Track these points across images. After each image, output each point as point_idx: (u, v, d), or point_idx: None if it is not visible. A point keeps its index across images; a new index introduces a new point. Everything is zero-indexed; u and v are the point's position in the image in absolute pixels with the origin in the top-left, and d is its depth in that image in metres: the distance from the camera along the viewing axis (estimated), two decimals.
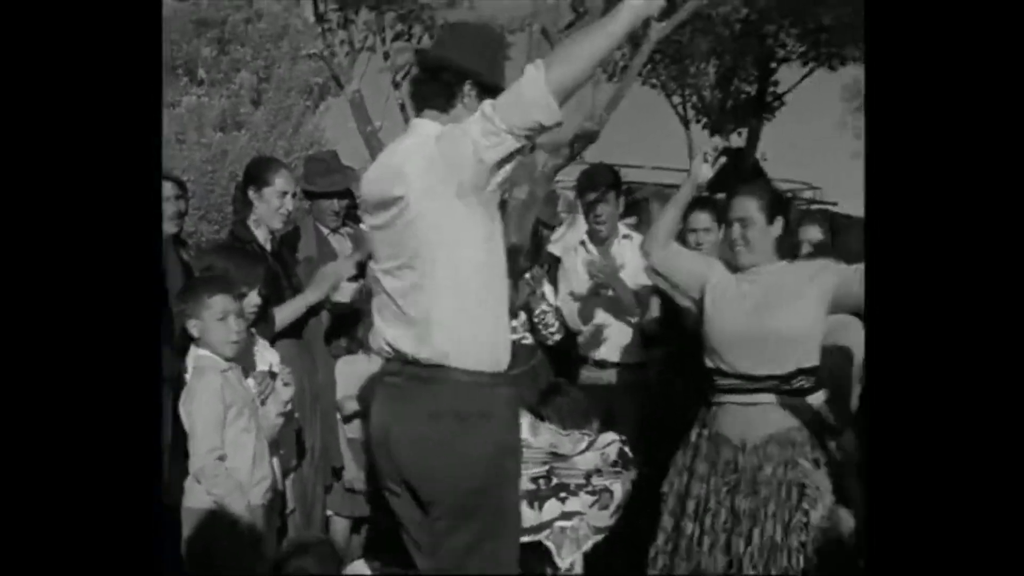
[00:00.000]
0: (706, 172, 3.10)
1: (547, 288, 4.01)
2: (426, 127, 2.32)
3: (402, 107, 6.64)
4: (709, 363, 3.03)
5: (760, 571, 2.76)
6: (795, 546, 2.75)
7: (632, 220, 4.29)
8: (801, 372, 2.89)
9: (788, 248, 3.06)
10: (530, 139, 2.15)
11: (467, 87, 2.32)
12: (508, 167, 2.17)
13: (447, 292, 2.23)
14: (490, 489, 2.26)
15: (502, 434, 2.30)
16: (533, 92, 2.08)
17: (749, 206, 2.97)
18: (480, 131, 2.11)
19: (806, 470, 2.82)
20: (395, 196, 2.23)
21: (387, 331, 2.35)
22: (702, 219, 3.80)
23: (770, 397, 2.90)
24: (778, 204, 3.01)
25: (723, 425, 2.97)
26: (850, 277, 2.82)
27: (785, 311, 2.89)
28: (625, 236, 4.07)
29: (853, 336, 3.30)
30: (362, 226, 2.43)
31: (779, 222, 2.99)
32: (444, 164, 2.17)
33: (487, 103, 2.14)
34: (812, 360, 2.91)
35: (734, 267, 3.07)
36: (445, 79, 2.31)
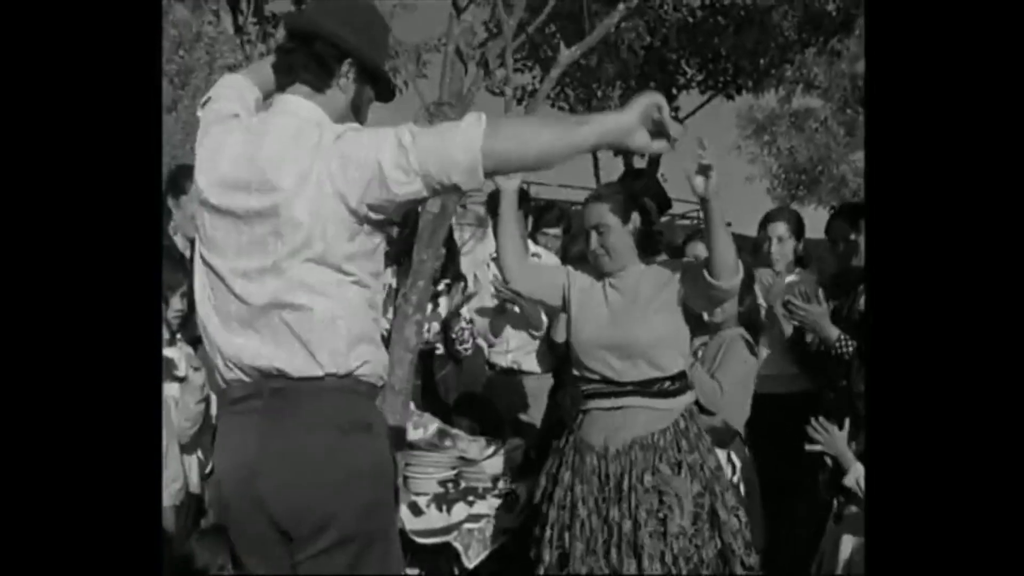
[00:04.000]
0: (511, 184, 3.01)
1: (464, 309, 4.13)
2: (299, 107, 1.98)
3: None
4: (575, 371, 3.00)
5: None
6: (654, 554, 2.71)
7: (557, 231, 4.43)
8: (664, 379, 2.86)
9: (650, 244, 3.01)
10: (437, 194, 1.91)
11: (346, 66, 1.99)
12: (399, 209, 1.92)
13: (322, 306, 1.90)
14: (379, 508, 2.00)
15: (384, 450, 2.03)
16: (463, 152, 1.79)
17: (602, 211, 2.92)
18: (391, 161, 1.81)
19: (666, 476, 2.77)
20: (268, 186, 1.89)
21: (234, 344, 1.94)
22: (697, 247, 3.93)
23: (635, 401, 2.86)
24: (631, 202, 2.95)
25: (587, 431, 2.92)
26: (693, 272, 2.79)
27: (643, 318, 2.85)
28: (534, 254, 4.23)
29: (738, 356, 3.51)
30: (200, 204, 1.98)
31: (635, 218, 2.94)
32: (341, 174, 1.85)
33: (406, 130, 1.84)
34: (676, 366, 2.89)
35: (598, 273, 3.00)
36: (319, 50, 1.97)
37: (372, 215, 1.88)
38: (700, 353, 3.43)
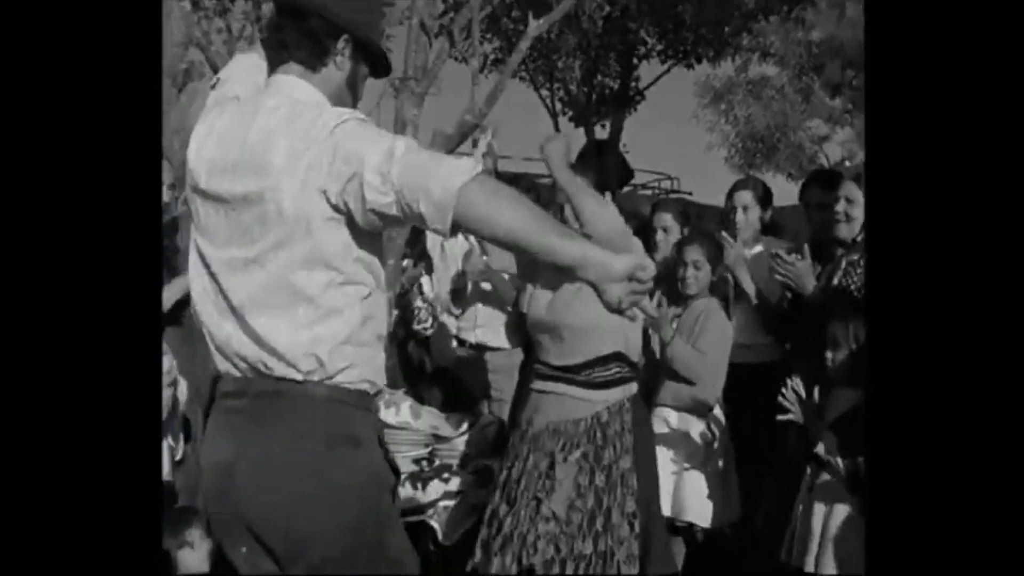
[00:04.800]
0: (487, 164, 3.01)
1: (424, 281, 4.11)
2: (295, 88, 1.88)
3: None
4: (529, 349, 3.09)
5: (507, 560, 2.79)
6: (534, 538, 2.77)
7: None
8: (595, 362, 2.89)
9: None
10: (406, 219, 1.76)
11: (341, 43, 1.89)
12: (379, 222, 1.78)
13: (308, 303, 1.81)
14: (366, 528, 1.86)
15: (375, 464, 1.89)
16: (441, 186, 1.68)
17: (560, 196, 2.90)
18: (374, 165, 1.71)
19: (554, 460, 2.83)
20: (255, 169, 1.80)
21: (224, 333, 1.86)
22: (665, 219, 3.97)
23: (563, 387, 2.91)
24: (603, 180, 2.99)
25: (519, 409, 3.03)
26: None
27: (574, 302, 2.87)
28: None
29: (717, 322, 3.52)
30: (191, 190, 1.91)
31: (606, 197, 2.94)
32: (331, 165, 1.75)
33: (403, 142, 1.76)
34: (607, 348, 2.89)
35: None
36: (313, 27, 1.87)
37: (357, 217, 1.76)
38: (675, 324, 3.43)
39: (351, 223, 1.78)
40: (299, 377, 1.81)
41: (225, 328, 1.85)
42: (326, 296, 1.80)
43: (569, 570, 2.73)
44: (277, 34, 1.91)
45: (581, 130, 15.25)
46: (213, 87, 2.05)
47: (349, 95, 1.95)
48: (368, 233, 1.82)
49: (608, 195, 3.00)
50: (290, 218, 1.76)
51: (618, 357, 2.92)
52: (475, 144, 2.81)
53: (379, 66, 2.01)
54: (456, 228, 1.72)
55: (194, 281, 1.92)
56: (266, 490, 1.80)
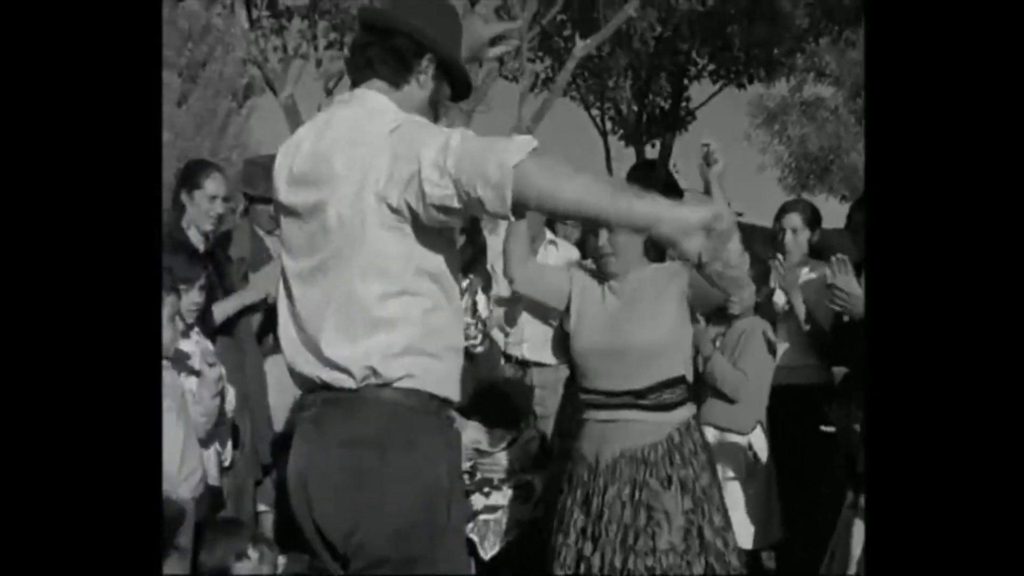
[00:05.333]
0: None
1: (480, 299, 4.13)
2: (375, 100, 1.91)
3: None
4: (576, 379, 2.98)
5: None
6: (641, 571, 2.66)
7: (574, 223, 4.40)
8: (662, 385, 2.80)
9: (655, 250, 2.93)
10: (469, 209, 1.75)
11: (425, 62, 1.93)
12: (448, 216, 1.78)
13: (366, 314, 1.82)
14: (419, 536, 1.85)
15: (431, 470, 1.88)
16: (496, 167, 1.67)
17: None
18: (431, 159, 1.72)
19: (655, 491, 2.71)
20: (321, 179, 1.84)
21: (294, 348, 1.93)
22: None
23: (629, 414, 2.80)
24: None
25: (581, 442, 2.88)
26: (697, 275, 2.73)
27: (642, 324, 2.79)
28: (551, 242, 4.24)
29: (759, 343, 3.52)
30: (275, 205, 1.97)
31: None
32: (388, 167, 1.77)
33: (458, 133, 1.76)
34: (675, 371, 2.82)
35: (600, 275, 2.94)
36: (398, 45, 1.91)
37: (420, 217, 1.78)
38: (719, 343, 3.43)
39: (415, 230, 1.80)
40: (353, 386, 1.84)
41: (295, 343, 1.92)
42: (382, 307, 1.82)
43: None
44: (363, 52, 1.95)
45: (631, 149, 15.25)
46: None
47: (430, 114, 1.99)
48: (433, 244, 1.84)
49: None
50: (348, 226, 1.79)
51: (682, 380, 2.86)
52: None
53: (459, 87, 2.04)
54: (518, 209, 1.71)
55: (281, 298, 1.98)
56: (327, 494, 1.85)
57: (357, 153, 1.80)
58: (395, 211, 1.78)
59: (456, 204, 1.73)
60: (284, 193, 1.94)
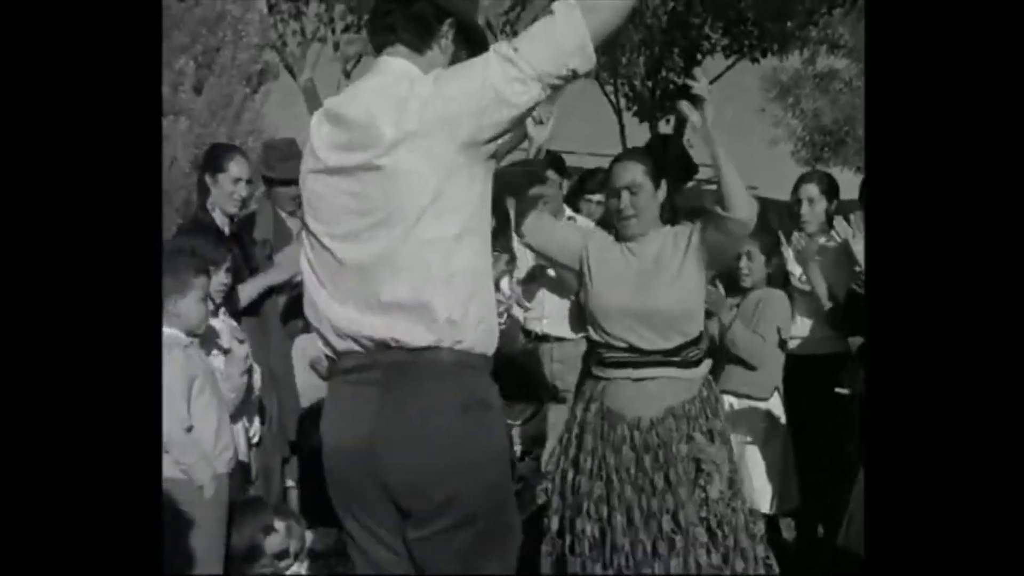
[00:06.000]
0: (542, 132, 2.82)
1: (504, 280, 4.17)
2: (398, 66, 1.95)
3: None
4: (594, 336, 2.94)
5: (683, 560, 2.71)
6: (696, 521, 2.72)
7: (599, 197, 4.38)
8: (690, 344, 2.85)
9: (670, 213, 2.98)
10: (556, 89, 1.86)
11: (446, 26, 1.97)
12: (517, 126, 1.90)
13: (437, 260, 1.86)
14: (500, 489, 1.95)
15: (501, 426, 1.99)
16: (572, 36, 1.80)
17: (635, 172, 2.87)
18: (502, 76, 1.79)
19: (701, 444, 2.77)
20: (368, 141, 1.87)
21: (346, 315, 1.93)
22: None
23: (665, 371, 2.82)
24: (661, 169, 2.92)
25: (614, 401, 2.86)
26: (708, 218, 2.79)
27: (670, 287, 2.82)
28: (569, 217, 4.28)
29: (776, 309, 3.58)
30: (306, 173, 2.01)
31: (663, 186, 2.91)
32: (448, 111, 1.82)
33: (502, 45, 1.83)
34: (697, 328, 2.87)
35: (618, 236, 2.97)
36: (419, 11, 1.95)
37: (487, 147, 1.85)
38: (735, 311, 3.49)
39: (484, 168, 1.88)
40: (429, 342, 1.86)
41: (346, 311, 1.92)
42: (456, 250, 1.87)
43: (729, 541, 2.74)
44: (384, 19, 1.98)
45: (646, 125, 15.23)
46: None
47: None
48: (484, 179, 1.90)
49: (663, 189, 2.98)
50: (413, 174, 1.83)
51: (702, 337, 2.93)
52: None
53: (478, 51, 2.04)
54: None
55: (306, 270, 2.02)
56: (409, 457, 1.86)
57: (402, 113, 1.84)
58: (464, 150, 1.84)
59: (542, 96, 1.83)
60: (327, 158, 1.95)
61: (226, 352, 3.24)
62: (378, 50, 2.02)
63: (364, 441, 1.89)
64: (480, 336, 1.91)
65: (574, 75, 1.85)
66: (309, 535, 3.55)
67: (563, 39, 1.80)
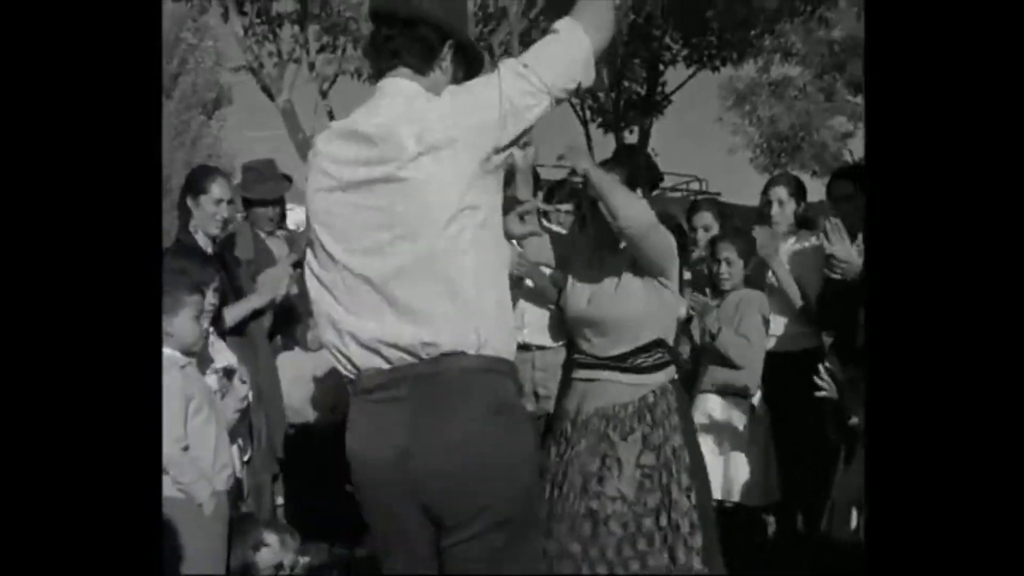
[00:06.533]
0: (525, 160, 3.02)
1: None
2: (405, 87, 2.00)
3: (330, 114, 6.79)
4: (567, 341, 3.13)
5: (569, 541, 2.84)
6: (582, 512, 2.83)
7: (568, 206, 4.52)
8: (639, 350, 2.95)
9: None
10: (560, 102, 1.96)
11: (447, 48, 2.03)
12: (527, 133, 1.97)
13: (461, 267, 1.89)
14: (530, 490, 1.99)
15: (530, 431, 2.01)
16: (579, 50, 1.93)
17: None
18: (518, 90, 1.89)
19: (612, 442, 2.88)
20: (381, 159, 1.91)
21: (368, 328, 1.93)
22: (705, 218, 4.14)
23: (607, 374, 2.96)
24: (634, 177, 3.08)
25: (565, 399, 3.07)
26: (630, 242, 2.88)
27: (614, 297, 2.96)
28: (545, 229, 4.35)
29: (756, 308, 3.68)
30: (316, 192, 2.03)
31: (638, 194, 3.04)
32: (470, 123, 1.88)
33: (513, 62, 1.93)
34: (650, 336, 2.96)
35: (598, 244, 3.08)
36: (422, 34, 2.00)
37: (500, 157, 1.92)
38: (716, 314, 3.59)
39: (488, 176, 1.93)
40: (456, 349, 1.88)
41: (369, 324, 1.92)
42: (476, 258, 1.90)
43: (641, 545, 2.81)
44: (388, 44, 2.02)
45: (611, 136, 15.41)
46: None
47: None
48: (496, 191, 1.98)
49: (639, 194, 3.08)
50: (435, 183, 1.87)
51: (659, 344, 3.00)
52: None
53: (473, 69, 2.15)
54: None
55: (317, 290, 2.01)
56: (444, 467, 1.87)
57: (422, 126, 1.89)
58: (483, 162, 1.90)
59: (549, 108, 1.94)
60: (342, 174, 1.97)
61: (230, 374, 3.28)
62: (380, 74, 2.06)
63: (397, 456, 1.90)
64: (503, 340, 1.94)
65: (578, 88, 1.97)
66: (301, 558, 3.57)
67: (571, 54, 1.93)
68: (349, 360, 1.98)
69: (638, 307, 2.96)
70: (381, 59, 2.05)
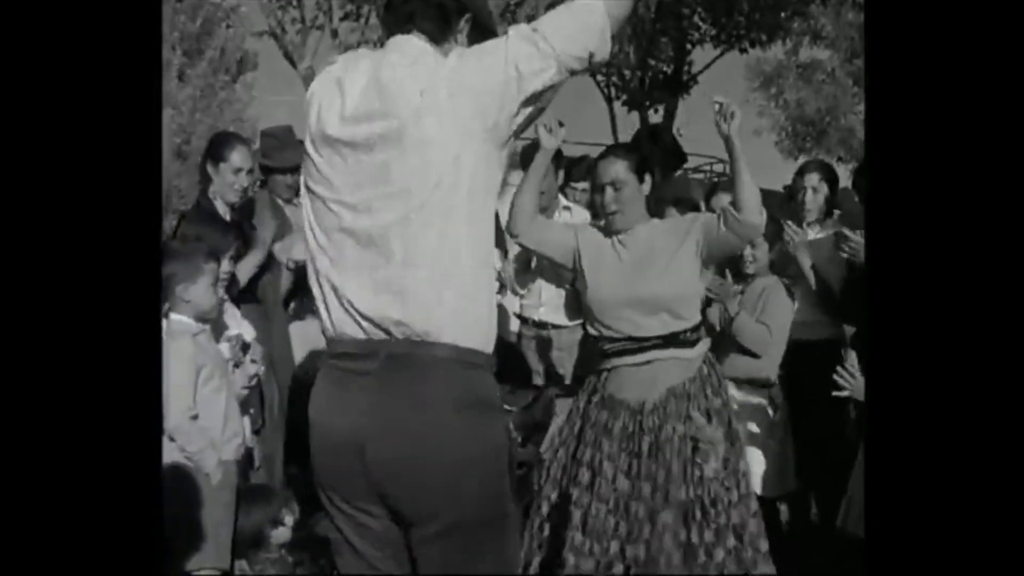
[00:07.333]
0: (551, 141, 2.98)
1: (498, 259, 4.20)
2: (416, 44, 1.90)
3: None
4: (592, 330, 3.01)
5: (673, 533, 2.76)
6: (689, 499, 2.77)
7: (586, 185, 4.45)
8: (686, 329, 2.92)
9: (657, 205, 3.02)
10: (572, 73, 1.83)
11: (463, 22, 1.93)
12: (533, 106, 1.84)
13: (446, 244, 1.79)
14: (493, 492, 1.84)
15: (501, 428, 1.89)
16: (592, 18, 1.79)
17: (619, 168, 2.94)
18: (524, 54, 1.76)
19: (699, 424, 2.81)
20: (390, 111, 1.81)
21: (348, 288, 1.84)
22: (724, 200, 4.06)
23: (663, 353, 2.89)
24: (645, 163, 2.99)
25: (617, 388, 2.93)
26: (714, 225, 2.86)
27: (663, 273, 2.88)
28: (565, 207, 4.31)
29: (781, 297, 3.63)
30: (314, 143, 1.91)
31: (648, 180, 2.98)
32: (469, 87, 1.78)
33: (523, 27, 1.83)
34: (693, 314, 2.94)
35: (607, 230, 3.03)
36: (439, 1, 1.91)
37: (504, 127, 1.81)
38: (739, 300, 3.54)
39: (495, 147, 1.82)
40: (429, 331, 1.78)
41: (348, 283, 1.84)
42: (462, 237, 1.80)
43: (723, 518, 2.80)
44: (404, 6, 1.93)
45: (635, 115, 15.31)
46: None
47: None
48: (499, 166, 1.87)
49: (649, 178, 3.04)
50: (435, 144, 1.77)
51: (698, 322, 3.00)
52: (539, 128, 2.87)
53: None
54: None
55: (311, 238, 1.92)
56: (400, 458, 1.77)
57: (428, 84, 1.80)
58: (489, 129, 1.80)
59: (558, 78, 1.81)
60: (340, 126, 1.86)
61: (245, 348, 3.26)
62: (392, 36, 1.97)
63: (353, 436, 1.80)
64: (481, 332, 1.83)
65: (590, 60, 1.84)
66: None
67: (583, 22, 1.80)
68: (329, 317, 1.89)
69: (688, 285, 2.93)
70: (396, 23, 1.95)
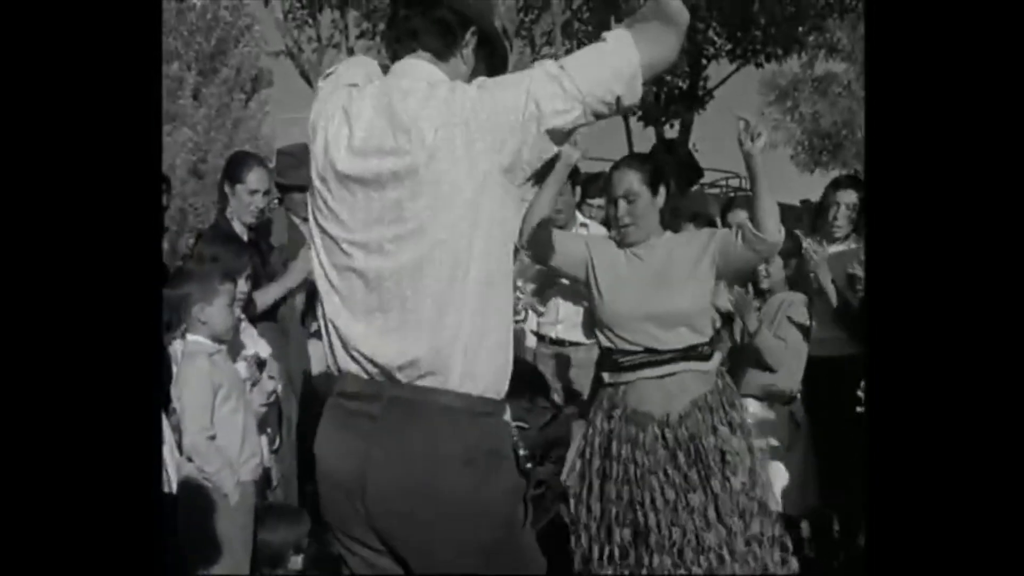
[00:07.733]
0: (574, 154, 2.88)
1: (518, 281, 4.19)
2: (425, 70, 1.82)
3: None
4: (607, 343, 2.97)
5: (699, 540, 2.74)
6: (730, 512, 2.75)
7: (600, 202, 4.43)
8: (702, 343, 2.90)
9: (672, 218, 2.99)
10: (597, 116, 1.73)
11: (468, 35, 1.86)
12: (553, 148, 1.73)
13: (461, 287, 1.71)
14: (502, 543, 1.76)
15: (512, 476, 1.77)
16: (623, 63, 1.69)
17: (632, 180, 2.91)
18: (546, 93, 1.67)
19: (725, 436, 2.80)
20: (403, 146, 1.72)
21: (354, 329, 1.79)
22: (740, 215, 4.02)
23: (684, 365, 2.86)
24: (659, 175, 2.94)
25: (639, 401, 2.89)
26: (730, 240, 2.82)
27: (683, 288, 2.86)
28: (582, 224, 4.30)
29: (798, 313, 3.61)
30: (321, 178, 1.83)
31: (662, 192, 2.94)
32: (485, 125, 1.69)
33: (550, 63, 1.73)
34: (709, 327, 2.93)
35: (621, 242, 3.00)
36: (441, 16, 1.83)
37: (523, 168, 1.72)
38: (758, 315, 3.52)
39: (511, 184, 1.73)
40: (436, 383, 1.71)
41: (356, 324, 1.78)
42: (478, 282, 1.72)
43: (751, 530, 2.79)
44: (406, 23, 1.86)
45: (651, 130, 15.31)
46: (324, 77, 2.03)
47: None
48: (516, 204, 1.79)
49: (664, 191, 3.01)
50: (450, 181, 1.69)
51: (713, 336, 2.97)
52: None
53: (499, 63, 1.98)
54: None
55: (319, 277, 1.86)
56: (401, 506, 1.71)
57: (443, 119, 1.71)
58: (506, 169, 1.71)
59: (582, 120, 1.71)
60: (346, 163, 1.78)
61: (261, 366, 3.25)
62: (396, 55, 1.90)
63: (355, 480, 1.74)
64: (493, 378, 1.74)
65: (618, 105, 1.72)
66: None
67: (612, 65, 1.70)
68: (333, 356, 1.84)
69: (705, 299, 2.90)
70: (400, 42, 1.88)
